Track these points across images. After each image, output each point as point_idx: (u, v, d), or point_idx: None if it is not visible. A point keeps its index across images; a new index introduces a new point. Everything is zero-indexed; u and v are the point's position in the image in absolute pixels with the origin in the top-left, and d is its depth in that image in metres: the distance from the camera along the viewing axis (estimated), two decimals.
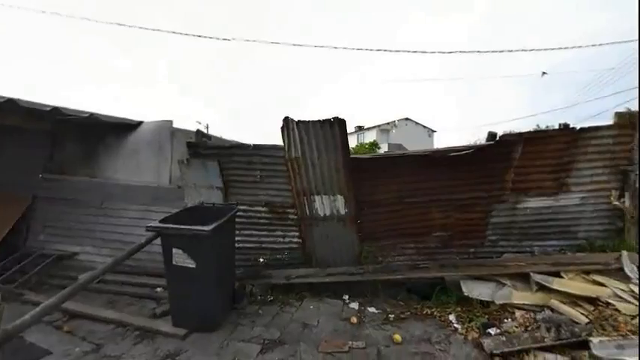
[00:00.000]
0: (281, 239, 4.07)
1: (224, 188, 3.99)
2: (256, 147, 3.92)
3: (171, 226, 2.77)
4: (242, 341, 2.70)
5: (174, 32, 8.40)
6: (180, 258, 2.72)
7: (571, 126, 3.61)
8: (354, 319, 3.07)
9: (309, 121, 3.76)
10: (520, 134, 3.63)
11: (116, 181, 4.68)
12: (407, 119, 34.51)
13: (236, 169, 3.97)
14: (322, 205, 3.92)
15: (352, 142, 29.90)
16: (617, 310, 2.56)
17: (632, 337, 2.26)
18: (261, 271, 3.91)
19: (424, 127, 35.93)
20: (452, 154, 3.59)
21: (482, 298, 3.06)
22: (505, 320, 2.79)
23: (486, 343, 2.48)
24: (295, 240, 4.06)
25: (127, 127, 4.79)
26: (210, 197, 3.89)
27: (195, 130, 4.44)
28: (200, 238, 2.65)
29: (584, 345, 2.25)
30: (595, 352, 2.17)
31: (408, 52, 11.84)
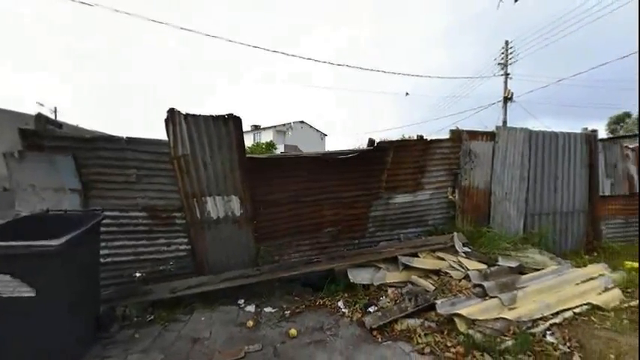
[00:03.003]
0: (165, 248, 3.57)
1: (83, 191, 3.18)
2: (131, 141, 3.30)
3: None
4: None
5: None
6: (8, 287, 2.00)
7: (424, 137, 4.61)
8: (250, 323, 3.00)
9: (199, 116, 3.45)
10: (392, 142, 4.38)
11: None
12: (302, 122, 36.20)
13: (102, 166, 3.23)
14: (215, 207, 3.66)
15: (248, 141, 29.14)
16: (451, 277, 3.43)
17: (460, 295, 3.07)
18: (139, 287, 3.32)
19: (317, 130, 38.54)
20: (340, 156, 4.00)
21: (364, 282, 3.53)
22: (381, 298, 3.30)
23: (367, 320, 2.88)
24: (183, 247, 3.64)
25: None
26: (60, 203, 3.02)
27: (35, 114, 3.32)
28: (45, 256, 2.02)
29: (433, 307, 2.92)
30: (438, 310, 2.85)
31: (303, 58, 12.50)
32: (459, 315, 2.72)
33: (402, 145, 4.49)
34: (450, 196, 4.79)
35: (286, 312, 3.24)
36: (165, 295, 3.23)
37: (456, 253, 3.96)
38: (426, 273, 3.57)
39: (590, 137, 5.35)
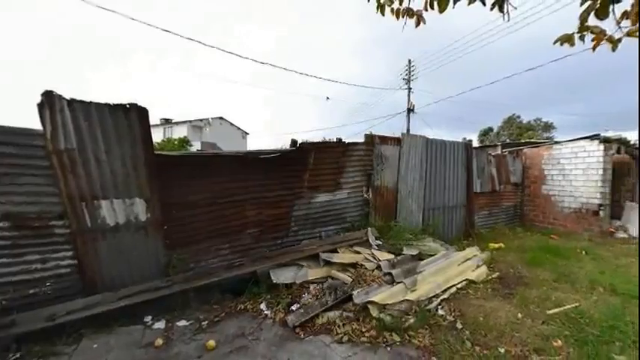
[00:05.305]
0: (39, 265, 2.84)
1: None
2: None
3: None
4: None
5: None
6: None
7: (343, 140, 4.93)
8: (159, 341, 2.66)
9: (90, 103, 2.90)
10: (313, 143, 4.53)
11: None
12: (221, 118, 34.00)
13: None
14: (112, 212, 3.12)
15: (158, 136, 25.75)
16: (366, 268, 3.76)
17: (373, 284, 3.40)
18: None
19: (238, 128, 36.83)
20: (264, 156, 3.92)
21: (287, 282, 3.55)
22: (303, 295, 3.38)
23: (289, 319, 2.91)
24: (66, 262, 2.97)
25: None
26: None
27: None
28: None
29: (350, 298, 3.14)
30: (355, 300, 3.08)
31: (223, 51, 11.72)
32: (372, 302, 3.00)
33: (323, 146, 4.69)
34: (365, 195, 5.25)
35: (203, 323, 3.00)
36: (39, 324, 2.57)
37: (370, 246, 4.36)
38: (345, 267, 3.83)
39: (467, 145, 6.65)
